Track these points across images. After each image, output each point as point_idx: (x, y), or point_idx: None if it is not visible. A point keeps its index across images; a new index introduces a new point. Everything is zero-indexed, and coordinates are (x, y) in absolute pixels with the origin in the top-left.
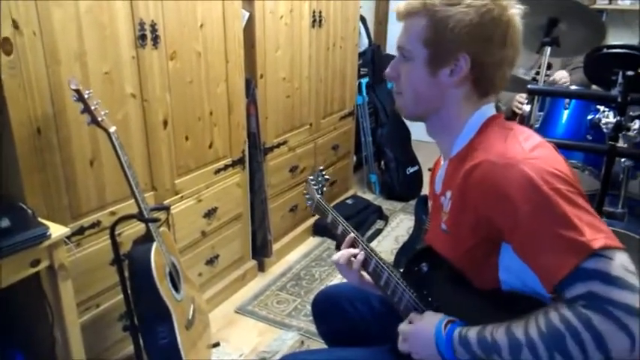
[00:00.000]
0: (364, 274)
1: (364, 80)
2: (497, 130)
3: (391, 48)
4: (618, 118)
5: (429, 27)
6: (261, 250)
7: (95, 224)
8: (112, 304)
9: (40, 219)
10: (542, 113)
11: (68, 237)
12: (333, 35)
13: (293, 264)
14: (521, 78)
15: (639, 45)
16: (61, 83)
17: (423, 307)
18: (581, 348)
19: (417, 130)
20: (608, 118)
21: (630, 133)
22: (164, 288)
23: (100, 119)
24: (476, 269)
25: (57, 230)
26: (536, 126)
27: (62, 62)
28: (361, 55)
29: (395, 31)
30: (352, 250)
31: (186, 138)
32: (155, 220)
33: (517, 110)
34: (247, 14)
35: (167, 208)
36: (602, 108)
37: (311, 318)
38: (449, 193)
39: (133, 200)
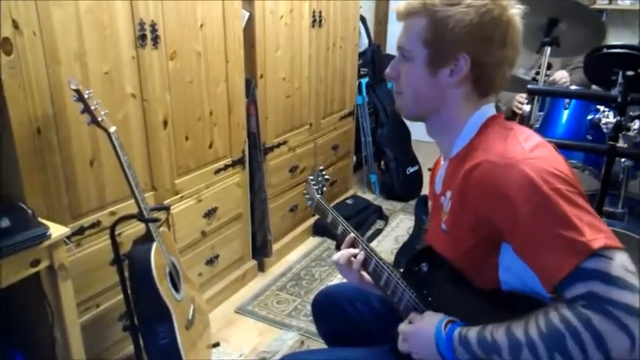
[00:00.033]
0: (364, 274)
1: (364, 80)
2: (498, 130)
3: (391, 48)
4: (618, 118)
5: (429, 27)
6: (261, 250)
7: (95, 224)
8: (112, 304)
9: (40, 219)
10: (542, 113)
11: (68, 237)
12: (333, 35)
13: (293, 264)
14: (521, 78)
15: (639, 45)
16: (61, 83)
17: (423, 307)
18: (581, 348)
19: (417, 130)
20: (608, 118)
21: (630, 133)
22: (164, 288)
23: (100, 119)
24: (476, 269)
25: (57, 230)
26: (536, 126)
27: (62, 62)
28: (361, 55)
29: (395, 31)
30: (352, 250)
31: (186, 138)
32: (155, 220)
33: (517, 110)
34: (247, 14)
35: (167, 208)
36: (602, 108)
37: (311, 318)
38: (449, 193)
39: (133, 200)
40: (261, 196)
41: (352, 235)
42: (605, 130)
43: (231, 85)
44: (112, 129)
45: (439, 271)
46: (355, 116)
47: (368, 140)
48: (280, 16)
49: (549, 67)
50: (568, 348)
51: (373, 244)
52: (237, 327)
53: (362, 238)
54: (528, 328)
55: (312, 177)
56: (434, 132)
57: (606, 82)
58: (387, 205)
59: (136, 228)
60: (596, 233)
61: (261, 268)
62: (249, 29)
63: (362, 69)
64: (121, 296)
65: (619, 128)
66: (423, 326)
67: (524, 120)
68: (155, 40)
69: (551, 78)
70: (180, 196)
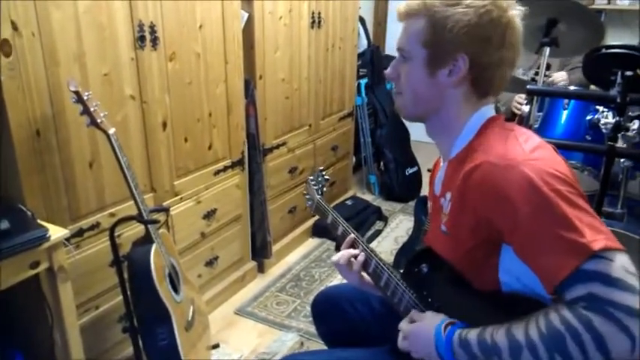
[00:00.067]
0: (364, 274)
1: (363, 81)
2: (498, 132)
3: (390, 49)
4: (617, 118)
5: (428, 28)
6: (260, 252)
7: (94, 226)
8: (112, 305)
9: (39, 221)
10: (541, 114)
11: (67, 239)
12: (332, 36)
13: (292, 265)
14: (520, 78)
15: (638, 45)
16: (60, 85)
17: (423, 308)
18: (581, 349)
19: (416, 131)
20: (607, 118)
21: (629, 134)
22: (163, 289)
23: (99, 121)
24: (476, 270)
25: (56, 232)
26: (536, 126)
27: (61, 63)
28: (360, 55)
29: (394, 31)
30: (352, 251)
31: (186, 139)
32: (154, 222)
33: (516, 111)
34: (246, 15)
35: (166, 210)
36: (601, 108)
37: (310, 319)
38: (448, 195)
39: (132, 202)
40: (260, 198)
41: (352, 235)
42: (604, 131)
43: (231, 86)
44: (112, 131)
45: (439, 273)
46: (354, 117)
47: (367, 141)
48: (279, 17)
49: (548, 67)
50: (568, 349)
51: (373, 245)
52: (236, 328)
53: (362, 239)
54: (528, 330)
55: (312, 177)
56: (433, 133)
57: (605, 83)
58: (386, 206)
59: (136, 229)
60: (596, 234)
61: (261, 269)
62: (248, 30)
63: (361, 70)
64: (120, 298)
65: (618, 128)
66: (424, 326)
67: (524, 120)
68: (154, 41)
69: (549, 79)
70: (179, 197)
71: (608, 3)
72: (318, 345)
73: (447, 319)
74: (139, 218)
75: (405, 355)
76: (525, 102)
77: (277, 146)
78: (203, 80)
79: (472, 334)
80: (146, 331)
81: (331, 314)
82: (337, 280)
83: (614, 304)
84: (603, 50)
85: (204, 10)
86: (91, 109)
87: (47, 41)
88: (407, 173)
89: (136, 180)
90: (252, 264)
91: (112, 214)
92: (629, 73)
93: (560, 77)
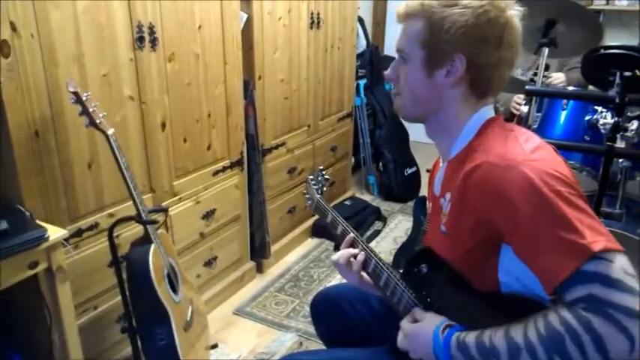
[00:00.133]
0: (363, 274)
1: (362, 82)
2: (497, 132)
3: (389, 49)
4: (616, 118)
5: (426, 29)
6: (259, 252)
7: (93, 226)
8: (110, 305)
9: (38, 221)
10: (539, 114)
11: (66, 239)
12: (331, 36)
13: (291, 265)
14: (519, 79)
15: (637, 46)
16: (58, 85)
17: (422, 309)
18: (580, 350)
19: (415, 132)
20: (605, 118)
21: (628, 134)
22: (162, 290)
23: (98, 121)
24: (475, 271)
25: (55, 232)
26: (534, 127)
27: (60, 64)
28: (359, 56)
29: (393, 32)
30: (352, 250)
31: (185, 140)
32: (153, 222)
33: (515, 111)
34: (245, 16)
35: (165, 210)
36: (599, 109)
37: (309, 319)
38: (448, 195)
39: (131, 202)
40: (259, 198)
41: (352, 235)
42: (602, 131)
43: (230, 87)
44: (110, 131)
45: (438, 273)
46: (353, 117)
47: (366, 141)
48: (278, 18)
49: (547, 68)
50: (568, 350)
51: (372, 245)
52: (235, 328)
53: (361, 239)
54: (527, 332)
55: (312, 177)
56: (433, 133)
57: (604, 83)
58: (385, 206)
59: (134, 230)
60: (596, 236)
61: (260, 269)
62: (247, 31)
63: (360, 70)
64: (119, 298)
65: (617, 129)
66: (423, 327)
67: (522, 121)
68: (153, 42)
69: (547, 80)
70: (178, 197)
71: (607, 3)
72: (317, 345)
73: (446, 320)
74: (137, 219)
75: (404, 355)
76: (524, 102)
77: (276, 147)
78: (202, 81)
79: (470, 337)
80: (145, 332)
81: (330, 314)
82: (336, 280)
83: (613, 305)
84: (602, 51)
85: (203, 10)
86: (90, 110)
87: (46, 42)
88: (406, 173)
89: (135, 180)
90: (251, 264)
91: (111, 215)
92: (627, 73)
93: (557, 78)
